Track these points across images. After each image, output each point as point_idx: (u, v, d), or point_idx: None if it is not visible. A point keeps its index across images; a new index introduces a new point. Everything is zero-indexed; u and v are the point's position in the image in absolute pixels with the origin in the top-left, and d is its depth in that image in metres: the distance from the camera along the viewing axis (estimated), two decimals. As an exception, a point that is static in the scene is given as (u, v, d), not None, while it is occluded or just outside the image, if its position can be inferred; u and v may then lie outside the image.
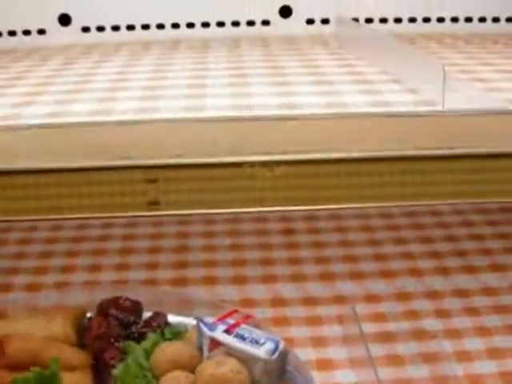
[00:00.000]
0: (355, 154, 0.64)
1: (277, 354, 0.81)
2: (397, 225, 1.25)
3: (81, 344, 0.91)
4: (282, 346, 0.82)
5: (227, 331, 0.84)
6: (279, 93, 0.75)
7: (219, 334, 0.84)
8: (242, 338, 0.83)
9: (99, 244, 1.21)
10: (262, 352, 0.81)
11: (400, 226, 1.25)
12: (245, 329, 0.84)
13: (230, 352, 0.82)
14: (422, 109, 0.68)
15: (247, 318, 0.87)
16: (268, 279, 1.11)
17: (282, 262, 1.16)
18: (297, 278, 1.11)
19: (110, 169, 0.64)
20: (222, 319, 0.86)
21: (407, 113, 0.66)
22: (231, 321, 0.86)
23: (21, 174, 0.65)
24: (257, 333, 0.84)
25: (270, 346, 0.82)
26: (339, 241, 1.21)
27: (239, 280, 1.11)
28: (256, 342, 0.82)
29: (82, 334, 0.92)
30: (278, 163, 0.64)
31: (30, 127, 0.65)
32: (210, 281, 1.11)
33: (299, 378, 0.83)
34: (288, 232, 1.24)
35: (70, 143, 0.64)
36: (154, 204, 0.65)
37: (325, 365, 0.92)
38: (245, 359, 0.81)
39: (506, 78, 0.81)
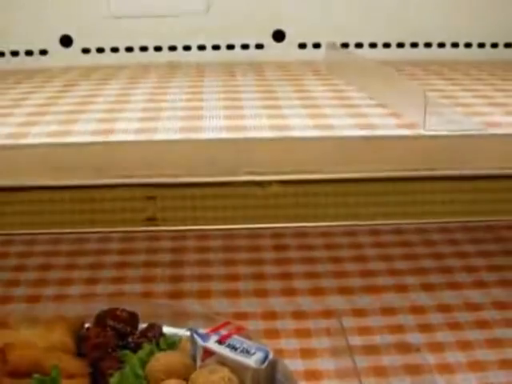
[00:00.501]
0: (342, 175, 0.68)
1: (266, 363, 0.85)
2: (384, 242, 1.29)
3: (79, 353, 0.95)
4: (271, 355, 0.86)
5: (219, 341, 0.88)
6: (271, 115, 0.79)
7: (212, 344, 0.87)
8: (234, 348, 0.87)
9: (96, 258, 1.25)
10: (252, 361, 0.85)
11: (387, 244, 1.29)
12: (236, 339, 0.88)
13: (222, 361, 0.86)
14: (404, 132, 0.72)
15: (239, 330, 0.90)
16: (260, 293, 1.15)
17: (273, 277, 1.19)
18: (287, 293, 1.15)
19: (111, 186, 0.68)
20: (214, 330, 0.89)
21: (390, 136, 0.71)
22: (223, 332, 0.89)
23: (24, 190, 0.69)
24: (247, 343, 0.87)
25: (259, 355, 0.85)
26: (329, 257, 1.25)
27: (232, 294, 1.15)
28: (247, 352, 0.86)
29: (80, 344, 0.96)
30: (270, 182, 0.69)
31: (34, 146, 0.69)
32: (204, 295, 1.14)
33: (288, 386, 0.87)
34: (280, 248, 1.28)
35: (74, 162, 0.68)
36: (151, 220, 0.69)
37: (312, 375, 0.95)
38: (236, 368, 0.85)
39: (487, 103, 0.85)
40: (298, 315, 1.09)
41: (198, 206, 0.70)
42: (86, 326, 0.99)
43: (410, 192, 0.70)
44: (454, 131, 0.70)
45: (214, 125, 0.75)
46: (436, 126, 0.70)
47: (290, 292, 1.15)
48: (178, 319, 1.00)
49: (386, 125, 0.74)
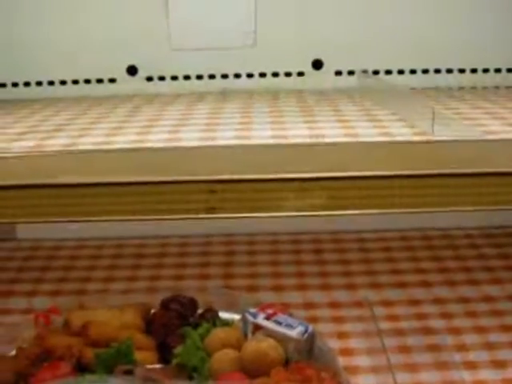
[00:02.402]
0: (364, 173, 0.85)
1: (306, 335, 1.01)
2: (412, 246, 1.45)
3: (147, 333, 1.12)
4: (310, 329, 1.01)
5: (267, 318, 1.03)
6: (309, 127, 0.96)
7: (260, 320, 1.03)
8: (279, 323, 1.02)
9: (157, 260, 1.43)
10: (294, 333, 1.00)
11: (414, 248, 1.44)
12: (281, 317, 1.04)
13: (269, 334, 1.01)
14: (415, 138, 0.88)
15: (283, 309, 1.07)
16: (301, 288, 1.30)
17: (312, 274, 1.35)
18: (325, 288, 1.30)
19: (180, 182, 0.85)
20: (262, 309, 1.06)
21: (404, 141, 0.87)
22: (270, 311, 1.06)
23: (106, 185, 0.86)
24: (290, 319, 1.03)
25: (301, 329, 1.01)
26: (361, 259, 1.40)
27: (277, 288, 1.30)
28: (290, 326, 1.02)
29: (148, 325, 1.12)
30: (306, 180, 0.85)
31: (121, 151, 0.87)
32: (252, 289, 1.30)
33: (325, 357, 1.02)
34: (318, 251, 1.44)
35: (153, 164, 0.85)
36: (212, 209, 0.86)
37: (346, 352, 1.10)
38: (280, 339, 1.00)
39: (492, 118, 1.00)
40: (335, 305, 1.24)
41: (250, 199, 0.86)
42: (152, 311, 1.16)
43: (421, 186, 0.86)
44: (456, 139, 0.86)
45: (263, 134, 0.92)
46: (442, 135, 0.86)
47: (327, 287, 1.31)
48: (230, 306, 1.16)
49: (401, 133, 0.90)
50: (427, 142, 0.86)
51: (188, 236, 1.51)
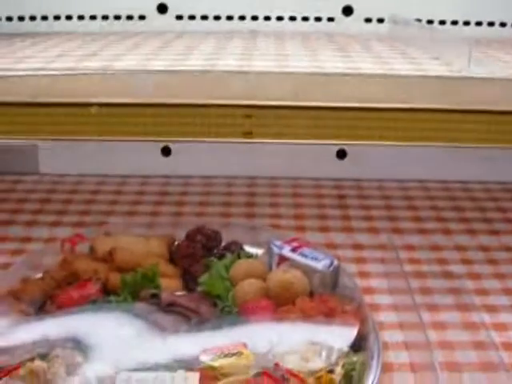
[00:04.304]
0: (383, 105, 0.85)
1: (332, 268, 1.02)
2: (432, 196, 1.46)
3: (171, 263, 1.13)
4: (336, 262, 1.03)
5: (293, 250, 1.05)
6: (345, 61, 0.97)
7: (286, 252, 1.04)
8: (304, 255, 1.03)
9: (180, 197, 1.44)
10: (320, 265, 1.02)
11: (435, 197, 1.45)
12: (306, 250, 1.05)
13: (294, 265, 1.02)
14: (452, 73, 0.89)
15: (308, 244, 1.08)
16: (323, 229, 1.31)
17: (335, 217, 1.36)
18: (347, 230, 1.31)
19: (216, 106, 0.86)
20: (288, 242, 1.07)
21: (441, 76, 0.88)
22: (296, 243, 1.07)
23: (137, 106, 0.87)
24: (316, 253, 1.04)
25: (326, 261, 1.02)
26: (383, 205, 1.42)
27: (299, 229, 1.31)
28: (315, 259, 1.03)
29: (172, 256, 1.14)
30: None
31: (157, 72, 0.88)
32: (275, 227, 1.30)
33: (348, 290, 1.03)
34: (340, 197, 1.46)
35: (190, 87, 0.86)
36: (248, 134, 0.87)
37: (368, 291, 1.11)
38: (306, 271, 1.01)
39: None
40: (357, 247, 1.25)
41: (285, 124, 0.87)
42: (176, 243, 1.16)
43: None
44: (489, 75, 0.86)
45: (300, 64, 0.93)
46: (477, 71, 0.87)
47: (349, 230, 1.32)
48: (254, 240, 1.17)
49: (438, 70, 0.91)
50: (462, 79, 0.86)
51: (210, 177, 1.51)
